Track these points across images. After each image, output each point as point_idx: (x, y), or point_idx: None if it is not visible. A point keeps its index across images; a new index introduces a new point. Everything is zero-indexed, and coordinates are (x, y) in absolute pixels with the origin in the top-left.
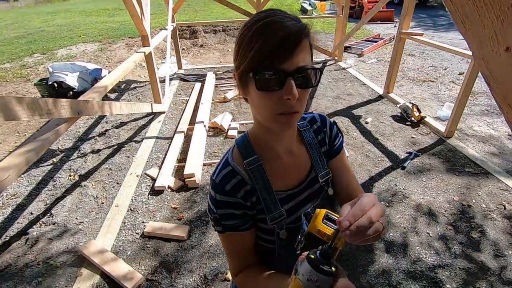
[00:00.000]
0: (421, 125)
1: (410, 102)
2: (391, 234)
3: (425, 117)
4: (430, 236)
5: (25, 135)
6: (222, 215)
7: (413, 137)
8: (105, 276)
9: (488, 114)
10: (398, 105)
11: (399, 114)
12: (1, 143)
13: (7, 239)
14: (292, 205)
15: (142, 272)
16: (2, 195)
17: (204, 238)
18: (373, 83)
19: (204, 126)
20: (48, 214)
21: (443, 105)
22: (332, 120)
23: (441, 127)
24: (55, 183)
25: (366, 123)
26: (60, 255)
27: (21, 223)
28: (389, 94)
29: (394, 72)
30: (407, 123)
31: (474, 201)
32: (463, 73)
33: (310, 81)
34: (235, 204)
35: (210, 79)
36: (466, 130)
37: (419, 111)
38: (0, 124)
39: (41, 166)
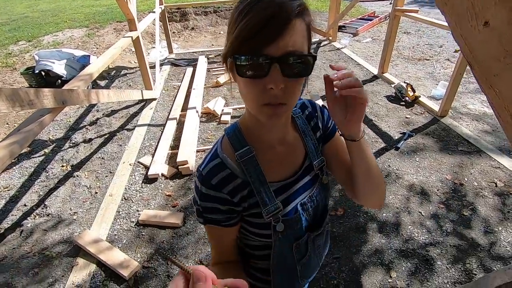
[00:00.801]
0: (415, 105)
1: (404, 82)
2: (384, 214)
3: (420, 96)
4: (422, 215)
5: (14, 125)
6: (205, 208)
7: (407, 117)
8: (101, 265)
9: (482, 92)
10: (393, 85)
11: (394, 94)
12: None
13: (1, 232)
14: (287, 196)
15: (138, 260)
16: None
17: (199, 224)
18: (368, 63)
19: (197, 112)
20: (42, 206)
21: (437, 84)
22: (323, 106)
23: (436, 106)
24: (47, 174)
25: None
26: (55, 246)
27: (15, 215)
28: (383, 74)
29: (388, 51)
30: (401, 103)
31: (466, 179)
32: (459, 50)
33: (300, 70)
34: (221, 199)
35: (202, 63)
36: (460, 108)
37: (414, 91)
38: None
39: (33, 157)
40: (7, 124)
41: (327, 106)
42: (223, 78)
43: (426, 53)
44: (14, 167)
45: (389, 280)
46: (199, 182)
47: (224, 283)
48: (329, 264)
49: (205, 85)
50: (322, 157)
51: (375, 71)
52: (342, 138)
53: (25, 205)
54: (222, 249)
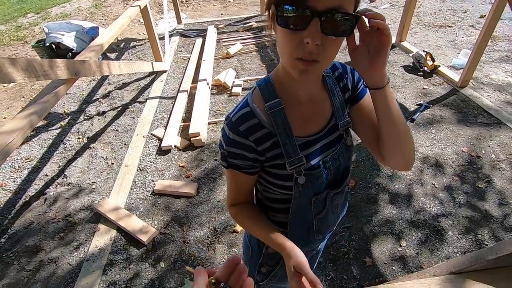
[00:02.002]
0: (434, 75)
1: (423, 51)
2: (396, 186)
3: (439, 66)
4: (436, 187)
5: (30, 99)
6: (230, 153)
7: (424, 88)
8: (121, 230)
9: (508, 60)
10: (411, 54)
11: (411, 64)
12: (8, 108)
13: (27, 199)
14: (311, 152)
15: (156, 227)
16: (16, 159)
17: (212, 194)
18: None
19: (208, 84)
20: (62, 176)
21: (459, 53)
22: (352, 67)
23: (456, 76)
24: (65, 145)
25: None
26: (77, 213)
27: (38, 184)
28: (401, 43)
29: (408, 18)
30: (419, 73)
31: (483, 151)
32: (485, 15)
33: (340, 29)
34: (246, 146)
35: (212, 33)
36: (482, 78)
37: (433, 60)
38: (4, 89)
39: (50, 130)
40: (23, 97)
41: (350, 57)
42: (234, 48)
43: (448, 19)
44: (33, 139)
45: (399, 249)
46: (228, 128)
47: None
48: (339, 233)
49: (215, 56)
50: (348, 118)
51: (392, 39)
52: (371, 100)
53: (46, 175)
54: (239, 193)
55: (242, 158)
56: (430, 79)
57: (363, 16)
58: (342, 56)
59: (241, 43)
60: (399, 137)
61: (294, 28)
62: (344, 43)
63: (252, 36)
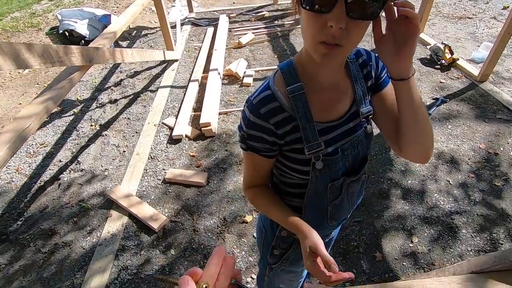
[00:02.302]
0: (452, 69)
1: (442, 43)
2: (409, 181)
3: (458, 59)
4: (450, 184)
5: (44, 85)
6: (250, 135)
7: (441, 82)
8: (132, 217)
9: None
10: (428, 47)
11: (428, 57)
12: (23, 94)
13: (42, 184)
14: (330, 138)
15: (166, 214)
16: (31, 145)
17: (223, 184)
18: None
19: (219, 73)
20: (76, 162)
21: (479, 46)
22: (376, 54)
23: (475, 70)
24: (78, 132)
25: None
26: (90, 198)
27: (52, 170)
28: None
29: (426, 8)
30: (436, 66)
31: (502, 149)
32: (508, 6)
33: (368, 11)
34: (266, 129)
35: (223, 23)
36: (503, 73)
37: (452, 53)
38: (20, 76)
39: (64, 117)
40: (37, 84)
41: (375, 46)
42: (246, 38)
43: (469, 10)
44: (47, 125)
45: (410, 245)
46: (248, 110)
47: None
48: (349, 227)
49: (226, 46)
50: (370, 106)
51: None
52: (392, 90)
53: (60, 160)
54: (256, 176)
55: (261, 141)
56: (447, 73)
57: (392, 4)
58: (367, 45)
59: (253, 33)
60: (419, 130)
61: (318, 10)
62: (369, 30)
63: (264, 26)
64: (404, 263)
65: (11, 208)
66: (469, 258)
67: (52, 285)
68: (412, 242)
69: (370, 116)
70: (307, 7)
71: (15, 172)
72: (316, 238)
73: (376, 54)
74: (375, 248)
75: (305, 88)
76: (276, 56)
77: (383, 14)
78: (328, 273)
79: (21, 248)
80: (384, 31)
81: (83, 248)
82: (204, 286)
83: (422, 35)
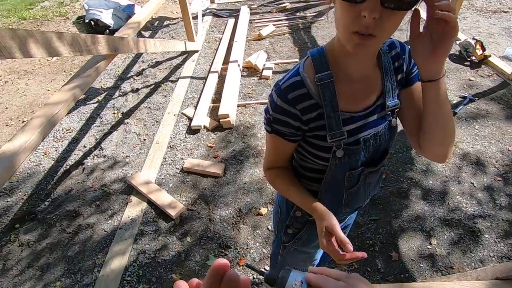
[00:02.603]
0: (482, 66)
1: (473, 38)
2: (430, 181)
3: (490, 56)
4: (474, 187)
5: (71, 73)
6: (276, 119)
7: (470, 80)
8: (151, 204)
9: None
10: (458, 42)
11: (458, 53)
12: (51, 81)
13: (67, 168)
14: (354, 128)
15: (183, 203)
16: (58, 130)
17: (239, 175)
18: None
19: (238, 65)
20: (99, 148)
21: None
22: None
23: (508, 68)
24: (101, 119)
25: None
26: (112, 184)
27: (77, 155)
28: None
29: (458, 1)
30: (465, 63)
31: None
32: None
33: (404, 3)
34: (292, 114)
35: (244, 14)
36: None
37: (483, 49)
38: (48, 63)
39: (88, 104)
40: (64, 71)
41: (410, 43)
42: (266, 30)
43: (504, 4)
44: (73, 112)
45: (428, 247)
46: (276, 94)
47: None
48: (365, 225)
49: (247, 37)
50: (397, 100)
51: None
52: (420, 87)
53: (84, 146)
54: (277, 159)
55: (286, 125)
56: (477, 70)
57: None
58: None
59: (273, 25)
60: (442, 132)
61: (352, 0)
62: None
63: (286, 17)
64: (421, 265)
65: (39, 189)
66: (493, 264)
67: (76, 263)
68: (430, 244)
69: (396, 110)
70: None
71: (43, 155)
72: (332, 218)
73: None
74: (391, 247)
75: (334, 77)
76: (296, 49)
77: (423, 10)
78: (342, 252)
79: (48, 227)
80: (421, 29)
81: (105, 231)
82: None
83: None
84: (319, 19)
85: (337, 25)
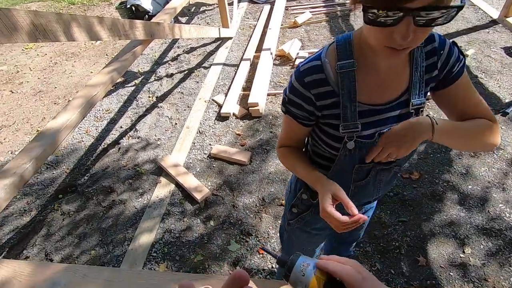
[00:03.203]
0: None
1: None
2: (469, 186)
3: None
4: None
5: (112, 57)
6: (290, 100)
7: None
8: (178, 186)
9: None
10: None
11: None
12: (94, 64)
13: (105, 146)
14: (370, 121)
15: (209, 187)
16: (99, 110)
17: (264, 165)
18: (486, 2)
19: (271, 53)
20: (134, 129)
21: None
22: (451, 40)
23: None
24: (137, 102)
25: (466, 56)
26: (144, 164)
27: (114, 134)
28: (507, 19)
29: None
30: None
31: None
32: None
33: (437, 21)
34: (306, 98)
35: (281, 0)
36: None
37: None
38: (92, 46)
39: (126, 87)
40: (107, 55)
41: None
42: (302, 18)
43: None
44: (113, 94)
45: (461, 255)
46: (294, 76)
47: None
48: (393, 226)
49: (281, 25)
50: (424, 99)
51: (495, 14)
52: (457, 89)
53: (121, 127)
54: (290, 139)
55: (300, 108)
56: None
57: None
58: None
59: (310, 12)
60: (469, 148)
61: (383, 24)
62: None
63: (323, 4)
64: (451, 273)
65: (80, 164)
66: None
67: (109, 235)
68: (464, 252)
69: (422, 109)
70: (370, 22)
71: (84, 133)
72: (338, 187)
73: (451, 41)
74: (418, 252)
75: (356, 66)
76: (333, 38)
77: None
78: (343, 217)
79: (86, 200)
80: None
81: (135, 208)
82: None
83: (510, 19)
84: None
85: (367, 33)
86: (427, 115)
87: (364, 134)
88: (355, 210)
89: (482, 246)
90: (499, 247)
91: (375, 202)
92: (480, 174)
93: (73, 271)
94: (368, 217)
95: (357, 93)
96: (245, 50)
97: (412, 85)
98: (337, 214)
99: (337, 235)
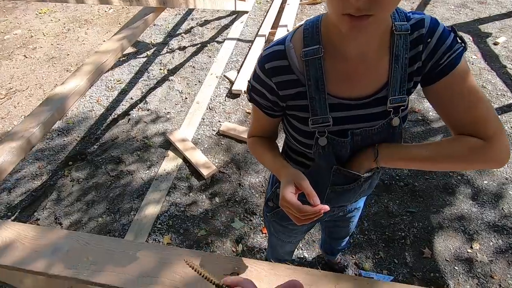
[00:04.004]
0: None
1: None
2: (485, 181)
3: None
4: None
5: None
6: (254, 87)
7: None
8: (186, 161)
9: None
10: None
11: None
12: (107, 32)
13: (115, 117)
14: (341, 116)
15: (216, 164)
16: (110, 80)
17: None
18: None
19: (287, 31)
20: (144, 101)
21: None
22: (449, 27)
23: None
24: (149, 74)
25: (496, 44)
26: (153, 137)
27: (124, 106)
28: None
29: None
30: None
31: None
32: None
33: None
34: (267, 86)
35: None
36: None
37: None
38: (105, 14)
39: (138, 58)
40: (119, 24)
41: None
42: None
43: None
44: (124, 64)
45: (469, 250)
46: (258, 61)
47: None
48: (400, 216)
49: (300, 1)
50: (405, 96)
51: None
52: (459, 80)
53: (131, 98)
54: (258, 129)
55: (263, 97)
56: None
57: None
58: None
59: None
60: (458, 168)
61: None
62: None
63: None
64: (456, 267)
65: (90, 133)
66: None
67: (116, 204)
68: (471, 247)
69: (403, 108)
70: None
71: (95, 103)
72: (301, 174)
73: (449, 27)
74: (424, 244)
75: (322, 53)
76: None
77: None
78: (304, 207)
79: (95, 168)
80: None
81: (142, 179)
82: None
83: None
84: None
85: (328, 6)
86: (375, 145)
87: (335, 129)
88: (317, 200)
89: (491, 243)
90: (509, 245)
91: (361, 202)
92: (498, 170)
93: (76, 238)
94: (354, 216)
95: (326, 83)
96: (260, 26)
97: (392, 79)
98: (297, 203)
99: (328, 230)
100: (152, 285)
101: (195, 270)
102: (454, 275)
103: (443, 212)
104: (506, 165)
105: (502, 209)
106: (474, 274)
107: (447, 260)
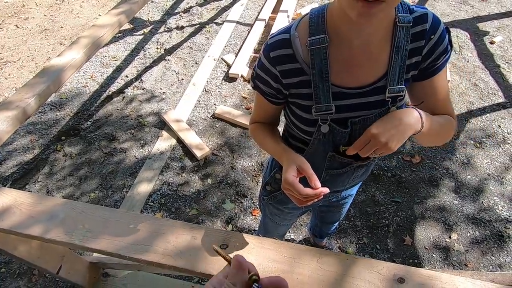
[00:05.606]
0: None
1: None
2: (468, 176)
3: None
4: None
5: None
6: (258, 75)
7: None
8: (180, 142)
9: None
10: None
11: None
12: (103, 6)
13: (109, 94)
14: (343, 105)
15: (210, 147)
16: (105, 56)
17: None
18: None
19: (288, 16)
20: (139, 80)
21: None
22: (445, 26)
23: None
24: (145, 53)
25: (492, 43)
26: (147, 116)
27: (119, 83)
28: None
29: None
30: None
31: None
32: None
33: None
34: (272, 74)
35: None
36: None
37: None
38: None
39: (134, 35)
40: None
41: None
42: None
43: None
44: (120, 41)
45: (447, 240)
46: (263, 49)
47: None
48: (385, 205)
49: None
50: (403, 86)
51: None
52: (439, 82)
53: (126, 76)
54: (261, 116)
55: (267, 84)
56: None
57: None
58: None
59: None
60: (439, 142)
61: None
62: None
63: None
64: (433, 255)
65: (84, 109)
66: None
67: (108, 181)
68: (450, 237)
69: (400, 98)
70: None
71: (89, 78)
72: (303, 158)
73: (445, 26)
74: (406, 232)
75: (327, 42)
76: None
77: None
78: (306, 189)
79: (88, 144)
80: None
81: (136, 158)
82: (254, 277)
83: None
84: None
85: None
86: (412, 106)
87: (336, 117)
88: (318, 183)
89: (468, 234)
90: (485, 237)
91: (354, 189)
92: (482, 165)
93: (72, 206)
94: (346, 203)
95: (330, 73)
96: (260, 10)
97: (391, 70)
98: (299, 186)
99: (320, 215)
100: (145, 253)
101: (224, 258)
102: (432, 261)
103: (426, 203)
104: (490, 161)
105: (482, 203)
106: (450, 262)
107: (426, 248)
